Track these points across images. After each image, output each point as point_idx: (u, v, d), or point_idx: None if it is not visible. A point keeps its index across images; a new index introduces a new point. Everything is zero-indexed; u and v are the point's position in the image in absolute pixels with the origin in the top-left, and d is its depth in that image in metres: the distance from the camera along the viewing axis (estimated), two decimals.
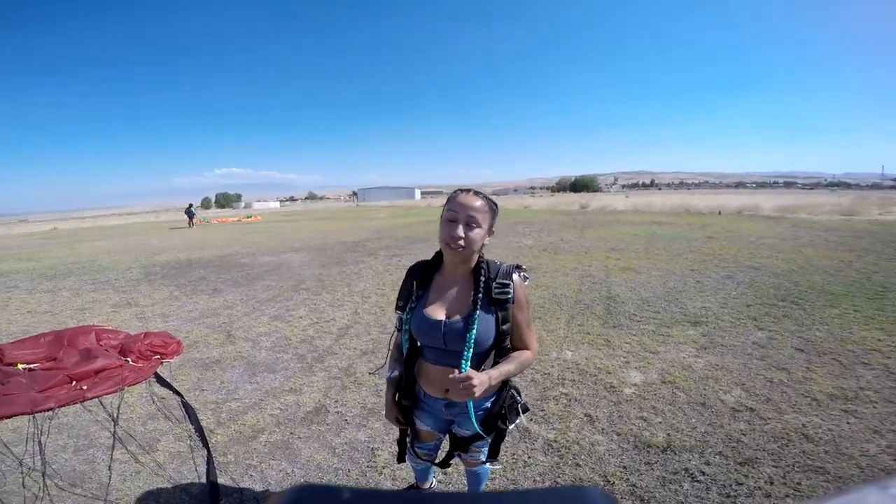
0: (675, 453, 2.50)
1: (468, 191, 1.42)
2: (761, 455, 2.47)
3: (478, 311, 1.40)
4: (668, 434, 2.69)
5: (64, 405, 3.23)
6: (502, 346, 1.45)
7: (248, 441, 2.78)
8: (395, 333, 1.61)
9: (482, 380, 1.30)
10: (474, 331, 1.38)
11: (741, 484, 2.24)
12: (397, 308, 1.55)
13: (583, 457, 2.49)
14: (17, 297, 7.34)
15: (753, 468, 2.36)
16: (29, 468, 2.48)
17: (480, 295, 1.41)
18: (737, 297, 5.62)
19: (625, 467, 2.40)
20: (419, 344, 1.54)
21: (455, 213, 1.37)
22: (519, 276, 1.46)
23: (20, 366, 3.88)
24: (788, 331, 4.36)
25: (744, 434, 2.67)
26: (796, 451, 2.49)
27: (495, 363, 1.45)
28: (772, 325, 4.52)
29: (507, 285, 1.41)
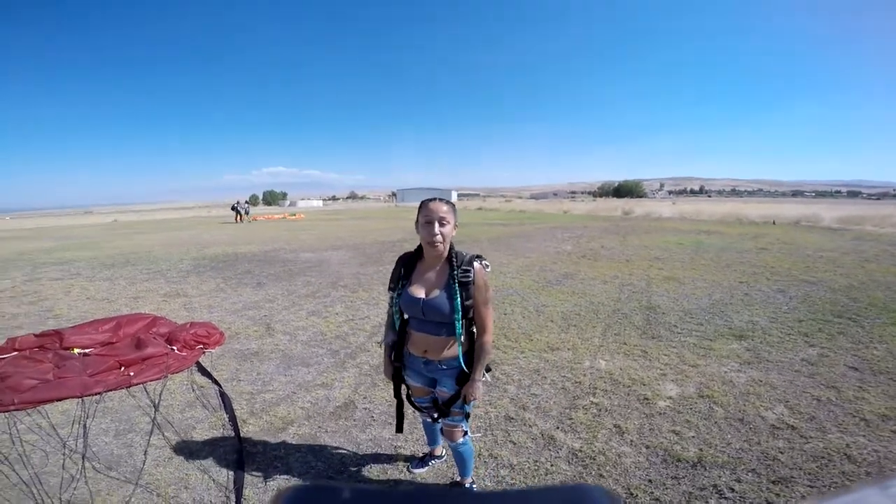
0: (706, 469, 2.41)
1: (434, 199, 1.82)
2: (797, 474, 2.35)
3: (455, 288, 1.79)
4: (700, 449, 2.59)
5: (111, 390, 3.44)
6: (468, 317, 1.86)
7: (278, 432, 2.87)
8: (389, 310, 1.99)
9: (477, 387, 1.90)
10: (458, 300, 1.78)
11: (771, 503, 2.14)
12: (389, 289, 1.95)
13: (608, 468, 2.43)
14: (79, 284, 7.89)
15: (787, 487, 2.24)
16: (71, 450, 2.64)
17: (456, 276, 1.79)
18: (788, 311, 5.32)
19: (650, 480, 2.32)
20: (406, 316, 1.95)
21: (430, 217, 1.77)
22: (480, 263, 1.86)
23: (76, 350, 4.16)
24: (843, 348, 4.10)
25: (781, 452, 2.54)
26: (835, 472, 2.36)
27: (471, 335, 1.90)
28: (825, 342, 4.25)
29: (468, 270, 1.80)
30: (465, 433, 2.05)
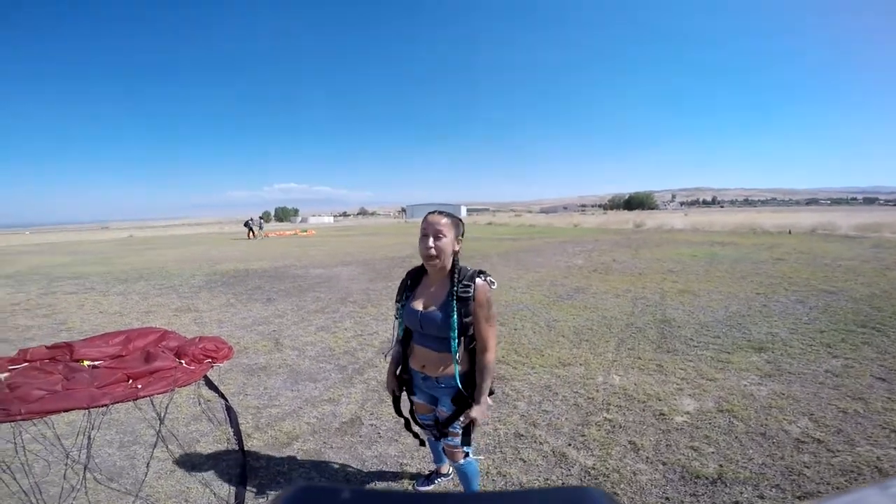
0: (726, 486, 2.30)
1: (433, 212, 1.80)
2: (824, 489, 2.24)
3: (453, 304, 1.74)
4: (720, 465, 2.47)
5: (118, 402, 3.41)
6: (467, 334, 1.80)
7: (282, 447, 2.81)
8: (395, 321, 1.98)
9: (480, 410, 1.80)
10: (454, 317, 1.73)
11: None
12: (396, 301, 1.96)
13: (622, 486, 2.33)
14: (93, 299, 7.98)
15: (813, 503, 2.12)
16: (74, 460, 2.61)
17: (456, 291, 1.75)
18: (808, 322, 5.16)
19: (667, 499, 2.22)
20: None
21: (425, 230, 1.75)
22: (483, 280, 1.79)
23: (86, 362, 4.17)
24: (868, 359, 3.95)
25: (807, 467, 2.43)
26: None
27: (471, 352, 1.83)
28: (848, 353, 4.11)
29: (469, 286, 1.75)
30: (467, 454, 1.97)
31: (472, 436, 1.89)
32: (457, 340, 1.75)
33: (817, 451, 2.58)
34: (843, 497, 0.34)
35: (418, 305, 1.84)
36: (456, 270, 1.79)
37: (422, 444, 2.20)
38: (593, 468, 2.48)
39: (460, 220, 1.85)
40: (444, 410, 1.90)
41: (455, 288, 1.75)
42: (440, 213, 1.80)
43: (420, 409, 2.06)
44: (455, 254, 1.80)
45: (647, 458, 2.57)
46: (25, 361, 4.24)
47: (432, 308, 1.80)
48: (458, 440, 1.89)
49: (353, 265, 11.90)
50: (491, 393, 1.89)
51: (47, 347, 4.53)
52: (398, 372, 2.05)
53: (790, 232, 18.79)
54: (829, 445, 2.63)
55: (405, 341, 1.98)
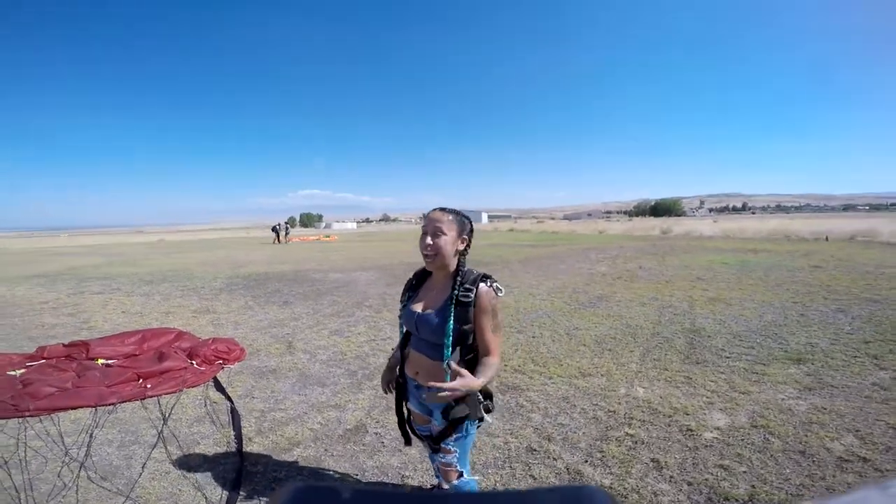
0: None
1: (437, 209, 1.69)
2: None
3: (451, 308, 1.59)
4: (753, 486, 2.25)
5: (125, 401, 3.37)
6: (466, 343, 1.63)
7: (282, 453, 2.71)
8: (399, 322, 1.89)
9: (469, 380, 1.46)
10: (451, 322, 1.58)
11: None
12: (400, 301, 1.87)
13: None
14: (116, 299, 8.14)
15: None
16: (71, 458, 2.57)
17: (455, 295, 1.60)
18: (851, 332, 4.81)
19: None
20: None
21: (425, 227, 1.65)
22: (488, 285, 1.62)
23: (100, 361, 4.17)
24: None
25: (851, 487, 2.19)
26: None
27: (468, 363, 1.62)
28: None
29: (470, 290, 1.60)
30: (461, 474, 1.80)
31: (471, 448, 1.76)
32: (451, 349, 1.60)
33: (863, 471, 2.34)
34: (843, 497, 0.33)
35: (417, 307, 1.73)
36: (459, 273, 1.66)
37: (406, 443, 2.00)
38: (611, 488, 2.28)
39: (467, 218, 1.72)
40: (436, 424, 1.75)
41: (455, 291, 1.61)
42: (443, 209, 1.68)
43: (417, 419, 1.93)
44: (459, 254, 1.68)
45: (671, 477, 2.36)
46: (42, 358, 4.27)
47: (430, 311, 1.68)
48: (450, 458, 1.74)
49: (371, 270, 11.87)
50: (488, 411, 1.67)
51: (64, 345, 4.55)
52: (396, 374, 1.95)
53: (827, 238, 17.97)
54: (877, 464, 2.39)
55: (404, 344, 1.87)
